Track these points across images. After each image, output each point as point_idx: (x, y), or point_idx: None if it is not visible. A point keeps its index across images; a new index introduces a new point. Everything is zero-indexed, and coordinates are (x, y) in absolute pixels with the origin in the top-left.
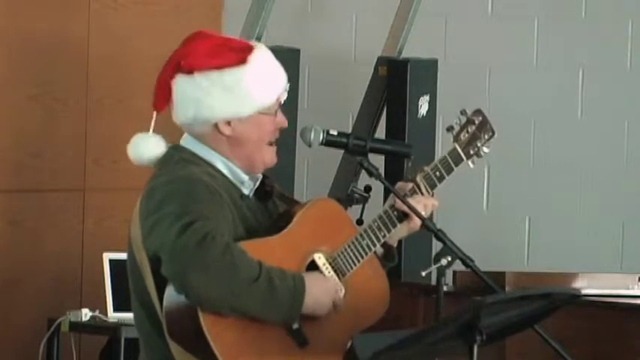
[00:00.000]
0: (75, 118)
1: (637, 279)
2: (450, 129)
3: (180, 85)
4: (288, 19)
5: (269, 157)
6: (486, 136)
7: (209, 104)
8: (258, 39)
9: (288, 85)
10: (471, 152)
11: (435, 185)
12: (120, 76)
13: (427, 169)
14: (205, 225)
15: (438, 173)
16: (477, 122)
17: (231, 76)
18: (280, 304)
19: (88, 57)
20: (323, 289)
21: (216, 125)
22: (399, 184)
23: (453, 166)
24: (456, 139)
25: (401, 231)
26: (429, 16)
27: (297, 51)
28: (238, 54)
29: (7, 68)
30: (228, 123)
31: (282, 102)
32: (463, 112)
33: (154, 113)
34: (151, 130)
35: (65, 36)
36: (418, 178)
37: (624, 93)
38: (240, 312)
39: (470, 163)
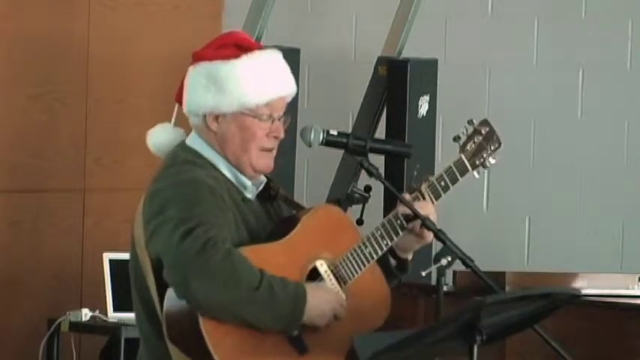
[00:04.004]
0: (75, 118)
1: (637, 279)
2: (456, 139)
3: (188, 76)
4: (288, 19)
5: (262, 162)
6: (493, 147)
7: (197, 94)
8: (258, 39)
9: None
10: (477, 163)
11: (440, 195)
12: (120, 76)
13: (432, 178)
14: (207, 231)
15: (443, 183)
16: (483, 133)
17: (217, 68)
18: (280, 313)
19: (88, 57)
20: (324, 299)
21: (205, 119)
22: (402, 197)
23: (458, 176)
24: (463, 149)
25: (410, 242)
26: (429, 16)
27: (297, 51)
28: (238, 51)
29: (7, 68)
30: (216, 119)
31: (281, 113)
32: (470, 122)
33: (176, 105)
34: (172, 122)
35: (65, 36)
36: (423, 188)
37: (624, 93)
38: (240, 319)
39: (475, 173)
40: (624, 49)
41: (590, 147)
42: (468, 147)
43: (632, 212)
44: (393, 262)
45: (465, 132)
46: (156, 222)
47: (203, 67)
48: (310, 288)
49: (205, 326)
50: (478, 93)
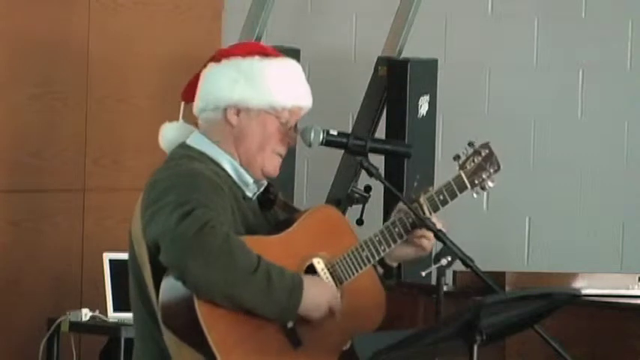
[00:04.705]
0: (75, 118)
1: (637, 279)
2: (456, 158)
3: (208, 71)
4: (288, 19)
5: (271, 165)
6: (492, 170)
7: (223, 86)
8: (258, 39)
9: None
10: (476, 182)
11: (438, 208)
12: (120, 76)
13: (431, 191)
14: (206, 213)
15: (441, 197)
16: (483, 154)
17: (249, 63)
18: (277, 300)
19: (88, 57)
20: (321, 292)
21: (225, 112)
22: (400, 205)
23: (457, 192)
24: (462, 167)
25: (405, 252)
26: (429, 16)
27: (297, 51)
28: (268, 53)
29: (7, 68)
30: (237, 113)
31: (295, 122)
32: (471, 144)
33: (182, 103)
34: (180, 119)
35: (65, 36)
36: (421, 199)
37: (624, 93)
38: (236, 302)
39: (474, 193)
40: (624, 49)
41: (590, 147)
42: (468, 166)
43: (632, 212)
44: (380, 269)
45: (464, 152)
46: (154, 208)
47: (234, 61)
48: (307, 279)
49: (201, 310)
50: (478, 93)
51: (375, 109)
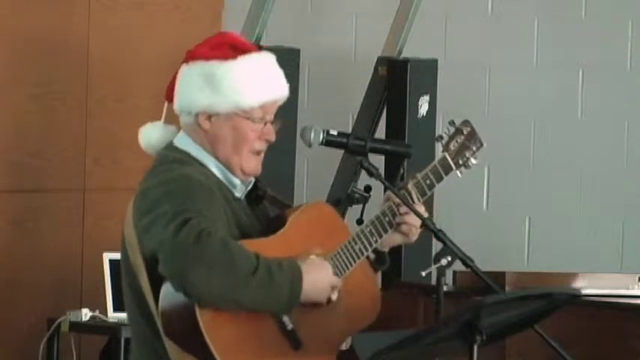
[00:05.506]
0: (75, 118)
1: (637, 279)
2: (439, 138)
3: (181, 73)
4: (288, 19)
5: (252, 165)
6: (475, 147)
7: (191, 91)
8: (258, 39)
9: (287, 89)
10: (460, 162)
11: (426, 193)
12: (120, 76)
13: (418, 176)
14: (201, 222)
15: (428, 181)
16: (465, 132)
17: (213, 68)
18: (279, 293)
19: (88, 57)
20: (319, 273)
21: (197, 117)
22: (389, 193)
23: (443, 174)
24: (446, 148)
25: (393, 239)
26: (429, 16)
27: (297, 51)
28: (234, 52)
29: (7, 68)
30: (209, 118)
31: (272, 116)
32: (451, 123)
33: (166, 103)
34: (162, 119)
35: (65, 36)
36: (409, 186)
37: (624, 93)
38: (240, 305)
39: (458, 172)
40: (624, 49)
41: (590, 147)
42: (451, 146)
43: (632, 212)
44: (372, 255)
45: (447, 132)
46: (148, 219)
47: (198, 66)
48: (304, 266)
49: (202, 319)
50: (478, 93)
51: (375, 109)
